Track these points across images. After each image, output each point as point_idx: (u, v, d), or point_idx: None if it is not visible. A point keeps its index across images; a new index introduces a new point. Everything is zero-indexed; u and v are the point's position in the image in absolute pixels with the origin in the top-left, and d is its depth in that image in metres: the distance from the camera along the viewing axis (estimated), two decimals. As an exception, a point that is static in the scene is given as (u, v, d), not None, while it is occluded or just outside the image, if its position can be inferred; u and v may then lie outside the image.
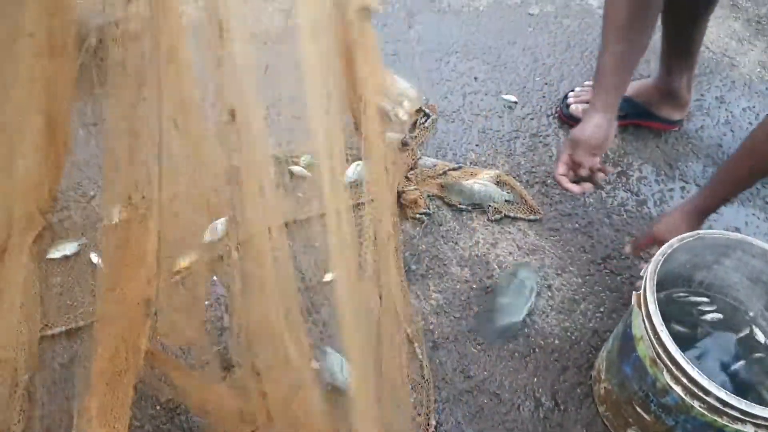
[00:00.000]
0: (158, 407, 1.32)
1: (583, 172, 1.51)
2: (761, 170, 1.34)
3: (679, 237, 1.26)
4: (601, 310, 1.53)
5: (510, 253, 1.64)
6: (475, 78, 2.10)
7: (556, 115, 1.99)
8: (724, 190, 1.40)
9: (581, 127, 1.48)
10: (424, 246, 1.63)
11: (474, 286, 1.56)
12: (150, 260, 0.94)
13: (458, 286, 1.56)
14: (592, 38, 2.27)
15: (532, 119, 1.98)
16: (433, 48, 2.19)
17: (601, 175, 1.53)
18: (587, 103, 1.67)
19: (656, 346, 1.11)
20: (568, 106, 1.95)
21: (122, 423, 1.02)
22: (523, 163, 1.85)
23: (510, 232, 1.68)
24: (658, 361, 1.11)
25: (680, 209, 1.43)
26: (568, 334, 1.49)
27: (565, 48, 2.24)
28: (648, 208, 1.76)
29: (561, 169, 1.52)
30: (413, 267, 1.58)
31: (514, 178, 1.79)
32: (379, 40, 2.21)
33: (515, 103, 2.02)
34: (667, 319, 1.12)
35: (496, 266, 1.60)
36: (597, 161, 1.51)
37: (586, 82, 2.01)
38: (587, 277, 1.60)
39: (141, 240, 0.93)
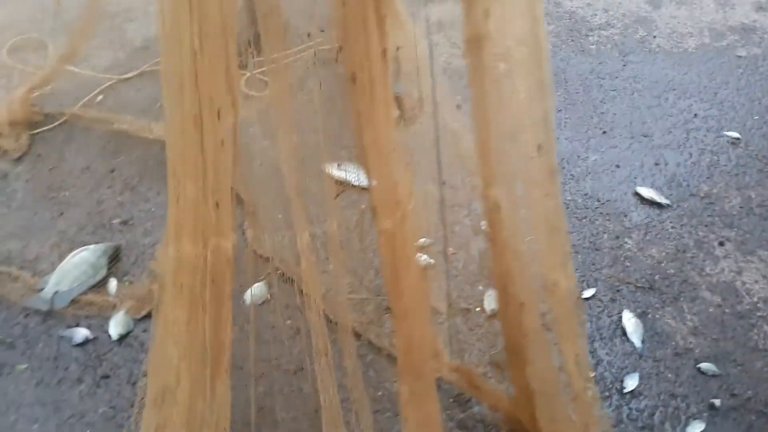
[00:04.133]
0: (451, 399, 1.46)
1: None
2: None
3: None
4: None
5: (756, 281, 1.70)
6: (695, 115, 2.18)
7: (781, 152, 2.05)
8: None
9: None
10: (672, 270, 1.72)
11: (727, 311, 1.63)
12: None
13: (711, 310, 1.63)
14: (806, 80, 2.32)
15: (756, 155, 2.04)
16: (649, 85, 2.30)
17: None
18: None
19: None
20: (794, 144, 2.01)
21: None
22: (754, 196, 1.92)
23: (753, 262, 1.75)
24: None
25: None
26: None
27: (779, 89, 2.30)
28: None
29: None
30: (664, 289, 1.67)
31: (747, 210, 1.87)
32: (597, 76, 2.35)
33: (738, 139, 2.10)
34: None
35: (744, 294, 1.67)
36: None
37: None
38: None
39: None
